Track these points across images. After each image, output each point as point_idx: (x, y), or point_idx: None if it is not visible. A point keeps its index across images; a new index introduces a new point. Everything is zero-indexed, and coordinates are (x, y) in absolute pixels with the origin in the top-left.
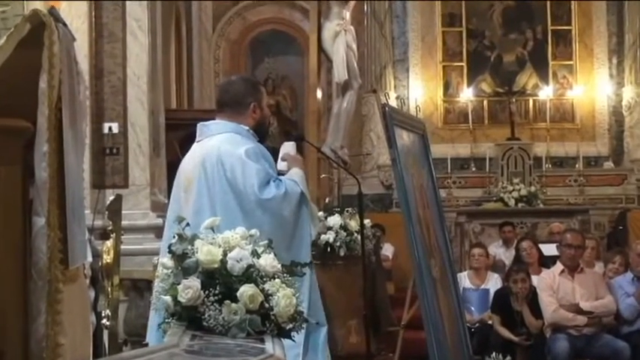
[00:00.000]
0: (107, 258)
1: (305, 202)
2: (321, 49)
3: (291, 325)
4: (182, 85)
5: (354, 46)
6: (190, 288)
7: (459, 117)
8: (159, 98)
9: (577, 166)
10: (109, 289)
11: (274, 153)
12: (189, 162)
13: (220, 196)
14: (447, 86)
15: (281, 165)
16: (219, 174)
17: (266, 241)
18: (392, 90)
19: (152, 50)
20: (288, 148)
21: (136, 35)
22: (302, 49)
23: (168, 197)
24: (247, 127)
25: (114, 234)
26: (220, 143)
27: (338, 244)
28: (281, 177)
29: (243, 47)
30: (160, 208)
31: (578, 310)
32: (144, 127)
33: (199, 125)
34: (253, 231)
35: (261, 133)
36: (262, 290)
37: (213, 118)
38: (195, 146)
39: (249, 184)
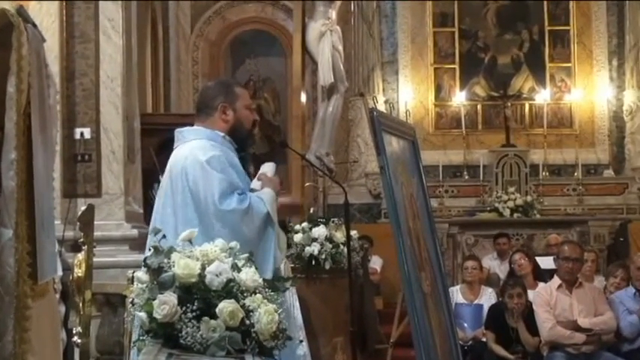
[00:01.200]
0: (78, 271)
1: (271, 224)
2: (305, 50)
3: (273, 343)
4: (158, 89)
5: (341, 48)
6: (166, 304)
7: (451, 122)
8: (134, 102)
9: (575, 174)
10: (81, 305)
11: (256, 160)
12: (165, 174)
13: (182, 207)
14: (438, 89)
15: (255, 184)
16: (182, 184)
17: (247, 255)
18: (380, 93)
19: (127, 51)
20: (266, 168)
21: (109, 35)
22: (285, 50)
23: (144, 206)
24: (222, 134)
25: (86, 246)
26: (189, 151)
27: (323, 256)
28: (249, 193)
29: (223, 48)
30: (134, 219)
31: (577, 327)
32: (118, 132)
33: (176, 131)
34: (233, 243)
35: (239, 138)
36: (243, 306)
37: (192, 123)
38: (172, 155)
39: (210, 193)
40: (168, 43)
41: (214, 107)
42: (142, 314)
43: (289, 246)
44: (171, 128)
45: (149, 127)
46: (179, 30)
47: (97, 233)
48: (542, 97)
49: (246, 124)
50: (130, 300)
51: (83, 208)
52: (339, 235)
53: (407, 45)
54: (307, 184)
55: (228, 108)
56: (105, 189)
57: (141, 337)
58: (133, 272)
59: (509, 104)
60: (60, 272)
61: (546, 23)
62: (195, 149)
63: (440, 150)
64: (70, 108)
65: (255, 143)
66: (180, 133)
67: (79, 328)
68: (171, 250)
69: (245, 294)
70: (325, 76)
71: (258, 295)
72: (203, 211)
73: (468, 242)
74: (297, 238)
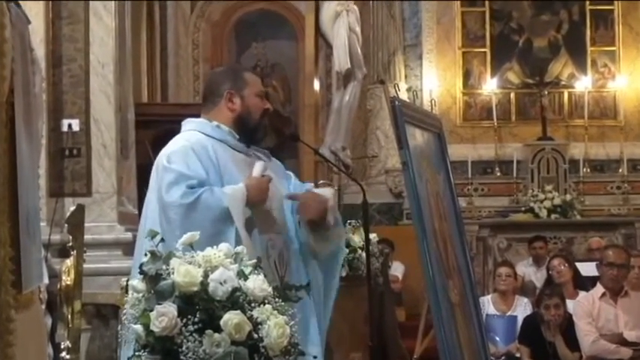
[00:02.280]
0: (67, 279)
1: (230, 222)
2: (318, 32)
3: (284, 359)
4: (155, 76)
5: (358, 30)
6: (165, 315)
7: (481, 112)
8: (127, 90)
9: (620, 170)
10: (69, 317)
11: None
12: None
13: (147, 212)
14: (467, 76)
15: None
16: (153, 182)
17: (255, 260)
18: (402, 81)
19: (120, 34)
20: (256, 169)
21: (100, 16)
22: (296, 33)
23: (139, 207)
24: (217, 123)
25: (75, 251)
26: (166, 147)
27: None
28: (207, 187)
29: (227, 30)
30: (128, 220)
31: (622, 341)
32: (110, 124)
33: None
34: (240, 248)
35: (246, 129)
36: (250, 318)
37: (193, 114)
38: None
39: (158, 187)
40: (166, 24)
41: (220, 95)
42: (138, 327)
43: None
44: (168, 120)
45: (144, 118)
46: (178, 10)
47: (86, 236)
48: (583, 84)
49: (255, 113)
50: (124, 311)
51: (72, 208)
52: (357, 239)
53: (432, 27)
54: (321, 181)
55: (235, 95)
56: (95, 187)
57: (136, 353)
58: (128, 280)
59: (545, 92)
60: (46, 280)
61: (587, 2)
62: (171, 142)
63: (469, 144)
64: (56, 97)
65: (267, 135)
66: (182, 124)
67: (68, 343)
68: (170, 255)
69: (253, 304)
70: (341, 62)
71: (267, 305)
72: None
73: (500, 246)
74: None
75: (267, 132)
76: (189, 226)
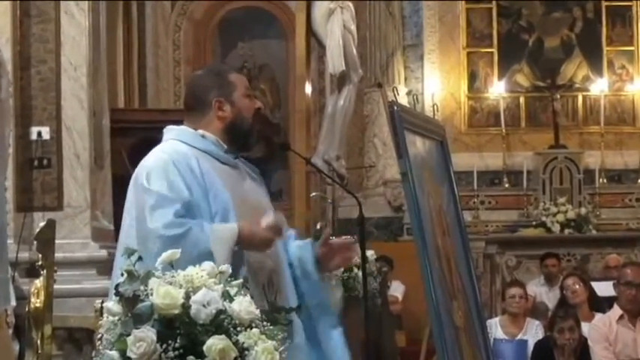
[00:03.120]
0: (36, 301)
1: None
2: (310, 31)
3: None
4: (132, 79)
5: (353, 28)
6: (143, 340)
7: (487, 118)
8: (102, 95)
9: (639, 181)
10: (39, 342)
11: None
12: None
13: (124, 228)
14: (472, 79)
15: None
16: (131, 198)
17: (241, 280)
18: (402, 84)
19: (93, 33)
20: (268, 218)
21: (72, 14)
22: (286, 32)
23: (115, 222)
24: (202, 131)
25: (45, 270)
26: (145, 158)
27: (334, 282)
28: (200, 221)
29: (211, 29)
30: (103, 237)
31: None
32: (83, 131)
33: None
34: (225, 266)
35: (240, 135)
36: (236, 343)
37: (174, 121)
38: None
39: (135, 208)
40: (144, 23)
41: (208, 104)
42: (114, 353)
43: None
44: (147, 127)
45: (121, 125)
46: (157, 8)
47: (57, 254)
48: (599, 87)
49: (247, 115)
50: (99, 336)
51: (41, 224)
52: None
53: (434, 25)
54: (313, 194)
55: (224, 103)
56: (67, 201)
57: None
58: (102, 302)
59: (558, 96)
60: (13, 302)
61: None
62: (150, 155)
63: (474, 152)
64: (24, 102)
65: (257, 141)
66: (164, 132)
67: None
68: (149, 275)
69: (239, 328)
70: (335, 63)
71: (254, 329)
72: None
73: (509, 264)
74: None
75: (259, 135)
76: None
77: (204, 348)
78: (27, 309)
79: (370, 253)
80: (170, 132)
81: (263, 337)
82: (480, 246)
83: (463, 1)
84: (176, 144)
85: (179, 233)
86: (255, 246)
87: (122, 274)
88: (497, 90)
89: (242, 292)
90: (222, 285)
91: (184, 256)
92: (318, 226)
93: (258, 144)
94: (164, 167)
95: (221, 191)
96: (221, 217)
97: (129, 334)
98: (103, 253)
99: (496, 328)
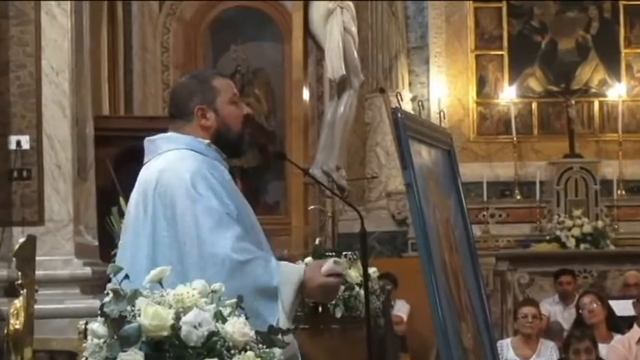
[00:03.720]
0: (16, 323)
1: (273, 300)
2: (308, 33)
3: None
4: (118, 84)
5: (354, 30)
6: None
7: (498, 126)
8: (86, 101)
9: None
10: None
11: (244, 175)
12: (132, 194)
13: (160, 244)
14: (481, 83)
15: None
16: (155, 212)
17: (234, 300)
18: (406, 89)
19: (76, 36)
20: (328, 265)
21: (54, 15)
22: (282, 34)
23: (100, 236)
24: (207, 141)
25: (24, 289)
26: (164, 165)
27: (333, 302)
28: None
29: (202, 31)
30: (87, 253)
31: None
32: (65, 140)
33: (145, 141)
34: (217, 285)
35: (227, 144)
36: None
37: (162, 129)
38: (141, 171)
39: (196, 226)
40: (130, 24)
41: (190, 112)
42: None
43: None
44: (133, 135)
45: (106, 133)
46: (144, 8)
47: (38, 272)
48: (616, 92)
49: (234, 123)
50: (83, 359)
51: (21, 240)
52: (354, 274)
53: (440, 26)
54: (311, 207)
55: (206, 110)
56: (49, 215)
57: None
58: (86, 323)
59: (573, 102)
60: None
61: None
62: (176, 162)
63: (484, 162)
64: (2, 109)
65: (249, 147)
66: (152, 142)
67: None
68: (136, 294)
69: (232, 351)
70: (334, 67)
71: (249, 352)
72: (184, 252)
73: (521, 282)
74: None
75: (250, 142)
76: (230, 284)
77: None
78: (6, 331)
79: (372, 270)
80: (176, 141)
81: None
82: (490, 262)
83: (471, 1)
84: (193, 154)
85: (246, 259)
86: (315, 293)
87: (107, 293)
88: (507, 95)
89: (236, 313)
90: (214, 305)
91: (239, 285)
92: (317, 241)
93: (252, 153)
94: (206, 179)
95: (243, 203)
96: (251, 231)
97: (115, 358)
98: (87, 270)
99: (507, 349)
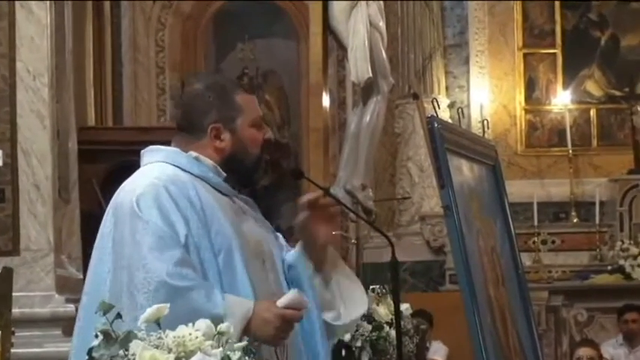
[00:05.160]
0: None
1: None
2: (328, 28)
3: None
4: (105, 89)
5: (382, 25)
6: None
7: (550, 136)
8: (68, 110)
9: None
10: None
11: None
12: None
13: (97, 264)
14: (530, 87)
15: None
16: (108, 234)
17: (245, 342)
18: (443, 94)
19: (57, 33)
20: (286, 298)
21: (30, 9)
22: (297, 30)
23: (85, 268)
24: (195, 154)
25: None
26: (127, 181)
27: (359, 343)
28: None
29: (203, 26)
30: (70, 288)
31: None
32: (44, 156)
33: (141, 153)
34: (224, 325)
35: (241, 170)
36: None
37: (157, 141)
38: None
39: (132, 246)
40: (119, 19)
41: (202, 129)
42: None
43: None
44: (124, 149)
45: (92, 147)
46: (135, 1)
47: (14, 311)
48: None
49: (253, 147)
50: None
51: None
52: (383, 312)
53: (482, 20)
54: (333, 233)
55: (222, 130)
56: (25, 243)
57: None
58: None
59: (638, 109)
60: None
61: None
62: (137, 176)
63: (534, 179)
64: None
65: (267, 174)
66: (142, 155)
67: None
68: (129, 336)
69: None
70: (359, 69)
71: None
72: (128, 276)
73: (578, 320)
74: None
75: (267, 169)
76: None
77: None
78: None
79: (405, 307)
80: (155, 153)
81: None
82: (542, 297)
83: None
84: (167, 168)
85: (185, 286)
86: (264, 330)
87: (96, 335)
88: (561, 101)
89: (246, 358)
90: (221, 349)
91: (174, 315)
92: None
93: (264, 171)
94: (155, 195)
95: (224, 227)
96: (224, 258)
97: None
98: (70, 308)
99: None
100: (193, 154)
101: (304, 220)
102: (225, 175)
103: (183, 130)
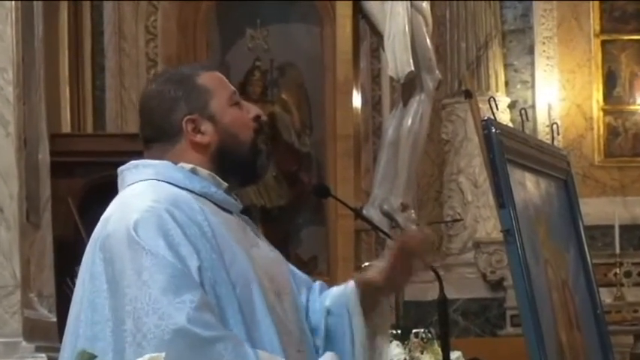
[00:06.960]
0: None
1: None
2: (359, 12)
3: None
4: (83, 89)
5: (427, 8)
6: None
7: (634, 143)
8: (38, 114)
9: None
10: None
11: (265, 217)
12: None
13: (89, 309)
14: (610, 82)
15: None
16: (101, 273)
17: None
18: (501, 91)
19: (24, 20)
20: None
21: None
22: (321, 14)
23: (58, 309)
24: (191, 166)
25: None
26: (115, 206)
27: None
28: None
29: (204, 9)
30: (42, 333)
31: None
32: (8, 170)
33: (118, 171)
34: None
35: (236, 163)
36: None
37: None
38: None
39: (140, 285)
40: (101, 6)
41: (175, 128)
42: None
43: None
44: (106, 161)
45: (67, 159)
46: None
47: None
48: None
49: (242, 131)
50: None
51: None
52: (429, 359)
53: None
54: (365, 264)
55: (199, 121)
56: None
57: None
58: None
59: None
60: None
61: None
62: (129, 199)
63: (615, 196)
64: None
65: (269, 164)
66: (120, 175)
67: None
68: None
69: None
70: (398, 62)
71: None
72: (130, 324)
73: None
74: None
75: (269, 155)
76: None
77: None
78: None
79: (456, 356)
80: (142, 170)
81: None
82: (626, 342)
83: None
84: (163, 186)
85: (211, 336)
86: None
87: None
88: None
89: None
90: None
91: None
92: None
93: (279, 186)
94: (160, 224)
95: (237, 254)
96: (241, 293)
97: None
98: (42, 358)
99: None
100: (187, 165)
101: (391, 266)
102: (226, 185)
103: (152, 140)
